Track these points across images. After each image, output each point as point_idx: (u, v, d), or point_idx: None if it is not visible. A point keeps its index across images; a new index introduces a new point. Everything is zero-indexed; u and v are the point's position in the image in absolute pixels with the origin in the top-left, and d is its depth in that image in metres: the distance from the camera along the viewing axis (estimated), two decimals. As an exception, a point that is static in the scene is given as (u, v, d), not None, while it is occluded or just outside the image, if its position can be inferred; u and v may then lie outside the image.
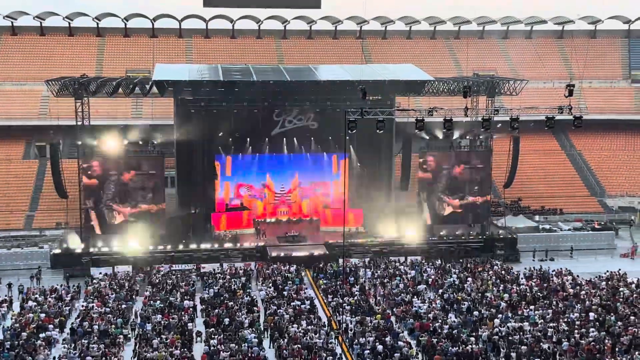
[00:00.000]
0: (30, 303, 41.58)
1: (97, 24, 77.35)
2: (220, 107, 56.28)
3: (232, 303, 40.95)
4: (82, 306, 41.24)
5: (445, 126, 43.11)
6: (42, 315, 39.19)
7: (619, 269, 47.91)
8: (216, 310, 39.62)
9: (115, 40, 78.39)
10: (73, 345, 35.14)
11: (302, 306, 40.48)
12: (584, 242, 57.91)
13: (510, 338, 35.55)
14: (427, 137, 57.22)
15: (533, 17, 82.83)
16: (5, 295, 43.24)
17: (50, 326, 37.90)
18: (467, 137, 58.54)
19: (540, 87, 72.33)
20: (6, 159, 65.98)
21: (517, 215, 62.83)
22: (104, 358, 33.23)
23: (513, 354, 33.85)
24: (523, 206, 65.96)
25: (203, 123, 55.99)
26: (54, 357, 33.82)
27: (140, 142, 55.42)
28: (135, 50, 77.06)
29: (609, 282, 45.43)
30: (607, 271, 47.79)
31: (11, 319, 39.72)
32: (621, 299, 41.57)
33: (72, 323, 38.43)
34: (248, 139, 58.23)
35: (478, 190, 57.44)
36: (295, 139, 59.11)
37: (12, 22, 76.06)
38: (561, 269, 48.59)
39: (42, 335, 36.45)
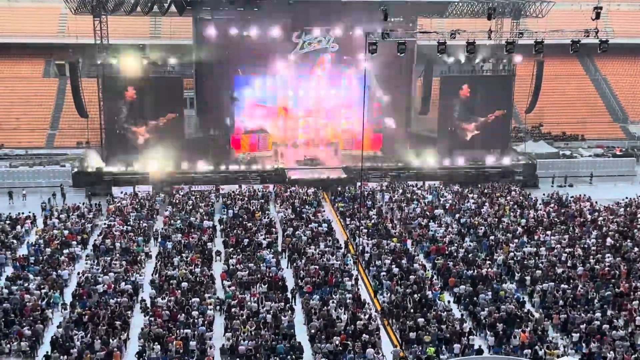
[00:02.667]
0: (53, 220, 42.50)
1: (115, -61, 75.66)
2: (240, 27, 55.48)
3: (250, 224, 41.54)
4: (104, 224, 42.08)
5: (467, 49, 42.41)
6: (66, 232, 40.12)
7: (638, 196, 47.74)
8: (235, 231, 40.25)
9: (133, -43, 76.71)
10: (96, 261, 36.09)
11: (320, 228, 40.98)
12: (604, 169, 57.53)
13: (525, 262, 35.91)
14: (449, 61, 56.26)
15: None
16: (29, 212, 44.11)
17: (74, 243, 38.86)
18: (490, 61, 57.44)
19: (567, 9, 70.22)
20: (27, 76, 66.02)
21: (537, 141, 62.32)
22: (126, 274, 34.13)
23: (527, 278, 34.27)
24: (544, 132, 65.33)
25: (221, 43, 55.35)
26: (78, 272, 34.76)
27: (159, 63, 55.05)
28: (153, -33, 75.47)
29: (628, 209, 45.39)
30: (626, 197, 47.67)
31: (35, 234, 40.70)
32: (639, 226, 41.60)
33: (95, 240, 39.33)
34: (267, 60, 57.56)
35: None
36: (314, 60, 58.34)
37: (28, -62, 74.63)
38: (580, 195, 48.52)
39: (65, 251, 37.44)
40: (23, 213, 43.61)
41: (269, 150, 58.72)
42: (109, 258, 36.03)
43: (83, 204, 46.50)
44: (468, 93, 56.27)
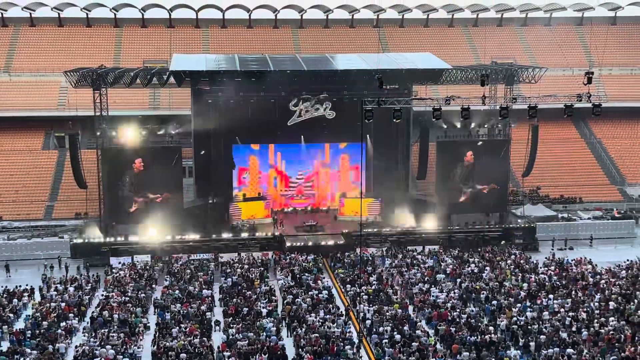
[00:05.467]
0: (51, 292, 42.05)
1: (115, 14, 77.50)
2: (237, 97, 56.28)
3: (250, 292, 41.13)
4: (102, 295, 41.64)
5: (462, 115, 42.94)
6: (63, 304, 39.63)
7: (639, 258, 47.48)
8: (234, 300, 39.82)
9: (133, 31, 78.52)
10: (93, 334, 35.55)
11: (320, 295, 40.57)
12: (603, 231, 57.41)
13: (529, 327, 35.42)
14: (445, 126, 56.87)
15: (552, 3, 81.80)
16: (27, 284, 43.68)
17: (71, 315, 38.34)
18: (485, 126, 58.06)
19: (560, 74, 71.63)
20: (26, 149, 66.51)
21: (535, 204, 62.43)
22: (123, 347, 33.55)
23: (532, 343, 33.74)
24: (542, 195, 65.51)
25: (220, 113, 56.08)
26: (75, 346, 34.17)
27: (158, 133, 55.62)
28: (153, 40, 77.16)
29: (629, 271, 45.09)
30: (627, 260, 47.42)
31: (32, 308, 40.18)
32: (641, 288, 41.22)
33: (92, 312, 38.81)
34: (265, 129, 58.14)
35: (492, 180, 57.03)
36: (312, 128, 59.03)
37: (30, 14, 76.41)
38: (581, 258, 48.25)
39: (62, 324, 36.90)
40: (20, 286, 43.18)
41: (268, 217, 58.49)
42: (107, 330, 35.49)
43: (81, 275, 46.12)
44: (472, 159, 56.41)
